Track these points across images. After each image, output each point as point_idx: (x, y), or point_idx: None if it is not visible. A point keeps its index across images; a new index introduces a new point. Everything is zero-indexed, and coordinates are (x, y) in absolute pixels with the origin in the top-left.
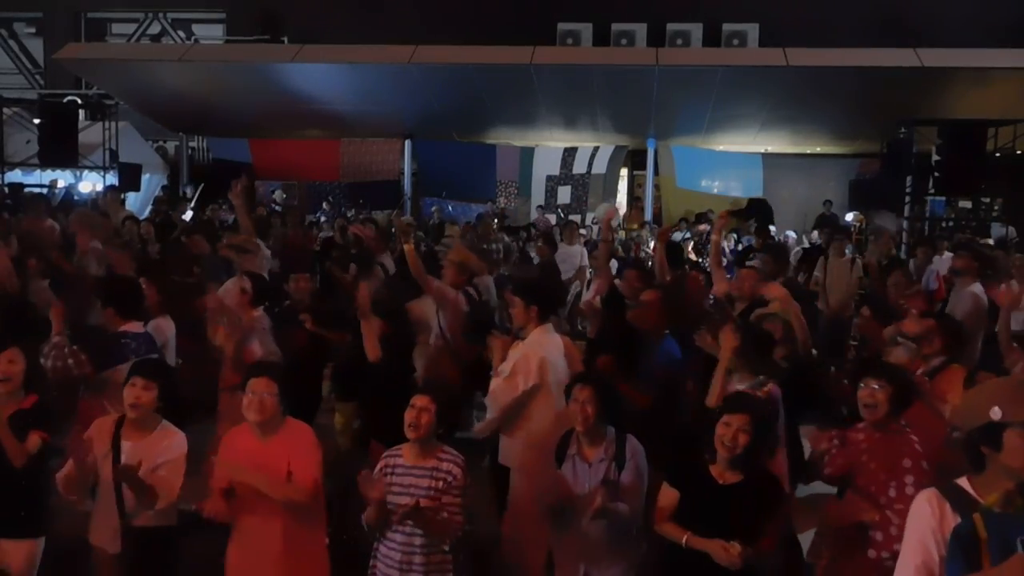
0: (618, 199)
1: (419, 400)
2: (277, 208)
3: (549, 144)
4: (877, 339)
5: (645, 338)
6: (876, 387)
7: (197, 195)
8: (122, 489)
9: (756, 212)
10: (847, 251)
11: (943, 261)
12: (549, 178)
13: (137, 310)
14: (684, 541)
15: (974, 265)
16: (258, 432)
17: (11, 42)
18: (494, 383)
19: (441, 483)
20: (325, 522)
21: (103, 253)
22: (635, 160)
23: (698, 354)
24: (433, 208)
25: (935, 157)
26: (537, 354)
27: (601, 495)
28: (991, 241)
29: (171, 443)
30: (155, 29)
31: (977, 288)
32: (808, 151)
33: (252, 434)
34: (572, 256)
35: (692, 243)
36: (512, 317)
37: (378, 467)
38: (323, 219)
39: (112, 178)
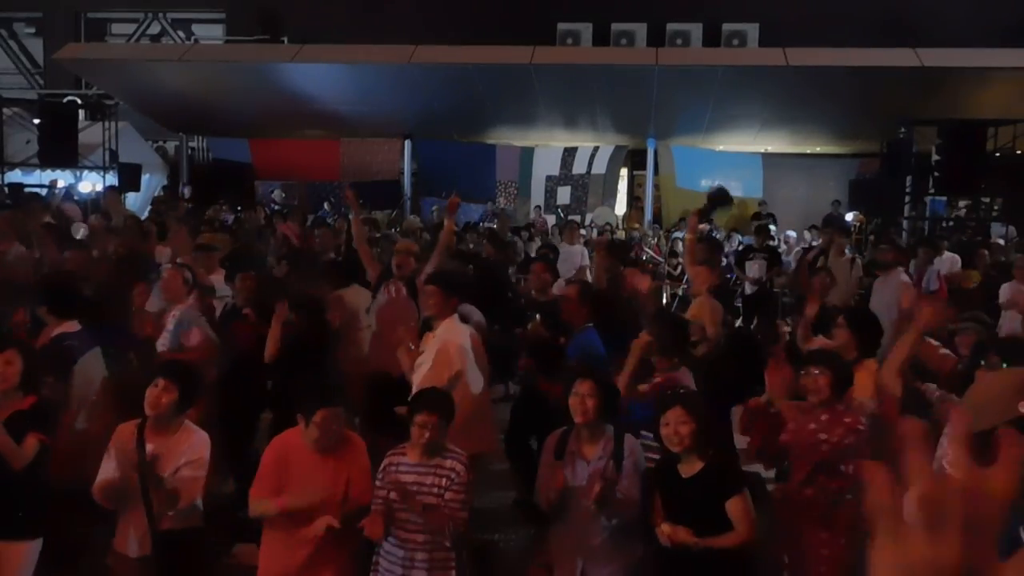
0: (618, 199)
1: (419, 418)
2: (276, 208)
3: (549, 144)
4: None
5: (567, 333)
6: (816, 373)
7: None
8: (149, 494)
9: (717, 205)
10: (847, 251)
11: (943, 261)
12: (549, 178)
13: (72, 309)
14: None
15: (899, 256)
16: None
17: (11, 42)
18: (418, 376)
19: (445, 480)
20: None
21: (26, 255)
22: (635, 160)
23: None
24: (433, 208)
25: (935, 157)
26: (454, 342)
27: (599, 483)
28: (1001, 241)
29: (193, 443)
30: (155, 29)
31: (903, 277)
32: (808, 151)
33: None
34: (572, 256)
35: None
36: (428, 306)
37: (382, 465)
38: (328, 220)
39: (112, 178)
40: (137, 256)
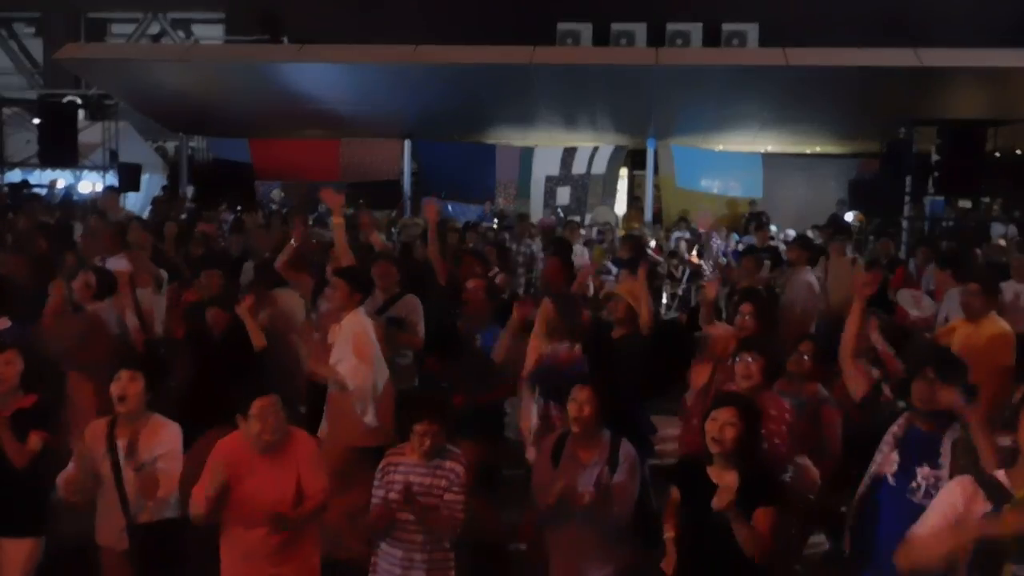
0: (617, 199)
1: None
2: (276, 208)
3: (549, 144)
4: None
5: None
6: (750, 360)
7: (191, 196)
8: (124, 487)
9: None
10: (847, 251)
11: None
12: (548, 179)
13: (1, 307)
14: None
15: (805, 254)
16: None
17: (11, 42)
18: (345, 369)
19: (444, 481)
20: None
21: None
22: (635, 160)
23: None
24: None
25: (935, 157)
26: (365, 331)
27: (589, 495)
28: (1002, 241)
29: (165, 435)
30: (155, 29)
31: (810, 276)
32: (808, 151)
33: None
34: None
35: (687, 243)
36: (333, 298)
37: (381, 465)
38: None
39: (112, 178)
40: (45, 257)
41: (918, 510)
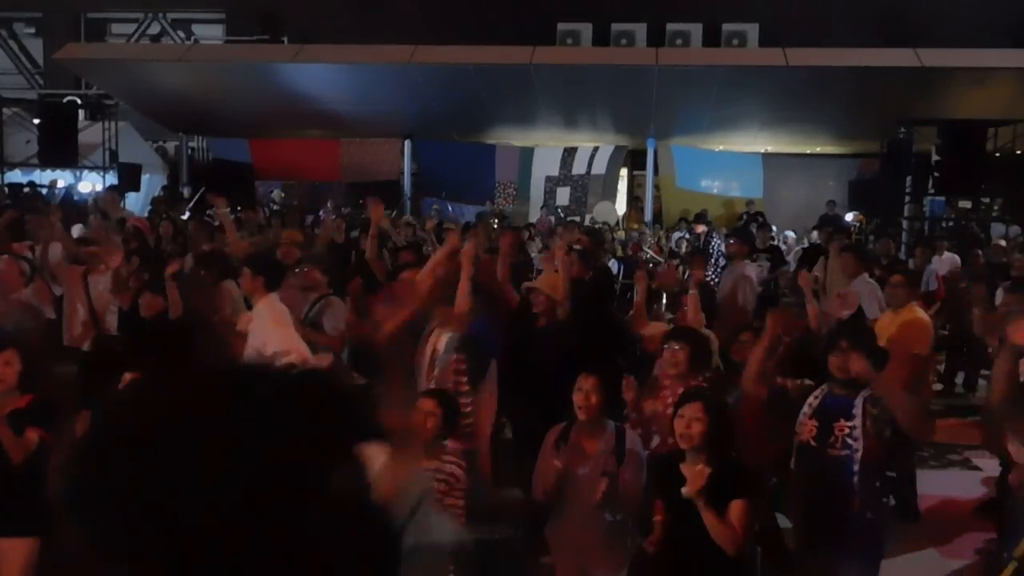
0: (617, 199)
1: (426, 404)
2: (275, 208)
3: (549, 144)
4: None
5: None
6: (677, 348)
7: (196, 197)
8: None
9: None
10: None
11: (942, 261)
12: (548, 179)
13: None
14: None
15: (744, 248)
16: None
17: (11, 42)
18: (277, 345)
19: (444, 484)
20: None
21: None
22: (635, 160)
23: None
24: (433, 208)
25: (935, 157)
26: (283, 316)
27: (603, 483)
28: (1003, 242)
29: None
30: (155, 29)
31: (748, 269)
32: (808, 151)
33: None
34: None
35: (687, 243)
36: (244, 286)
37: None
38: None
39: (112, 178)
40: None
41: (838, 461)
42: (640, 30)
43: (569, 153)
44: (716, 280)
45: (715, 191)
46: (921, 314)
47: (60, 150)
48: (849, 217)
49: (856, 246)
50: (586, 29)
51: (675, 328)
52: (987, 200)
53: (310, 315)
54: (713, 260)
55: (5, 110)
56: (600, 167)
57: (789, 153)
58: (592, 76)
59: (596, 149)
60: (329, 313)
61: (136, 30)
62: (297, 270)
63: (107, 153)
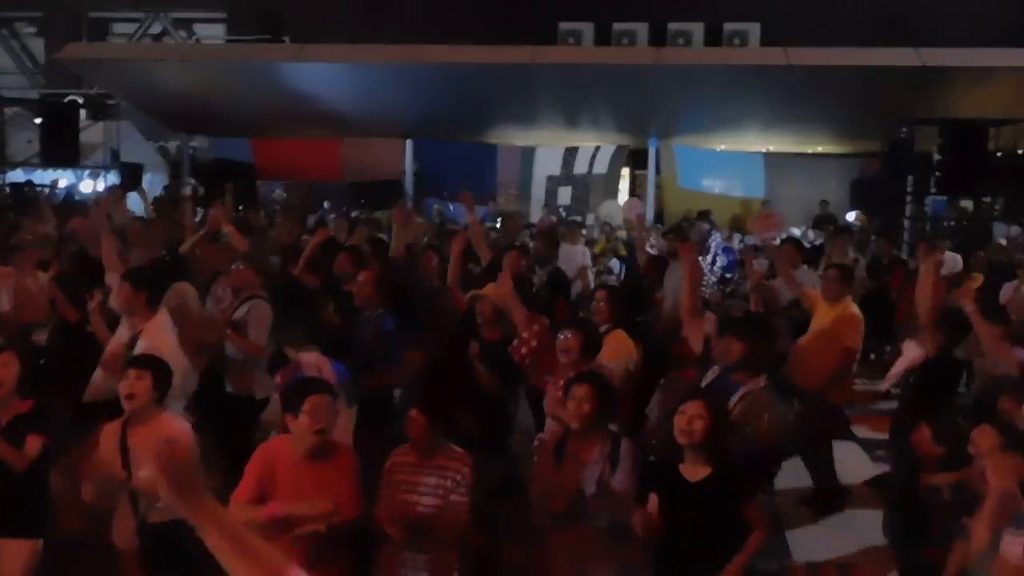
0: (618, 199)
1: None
2: (277, 207)
3: (550, 144)
4: None
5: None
6: (569, 336)
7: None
8: (135, 487)
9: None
10: (849, 251)
11: (944, 262)
12: (550, 179)
13: None
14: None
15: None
16: None
17: (12, 41)
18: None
19: (449, 482)
20: None
21: None
22: (636, 159)
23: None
24: (435, 208)
25: (936, 157)
26: (169, 340)
27: (601, 501)
28: (1003, 241)
29: (173, 432)
30: (156, 29)
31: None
32: (810, 151)
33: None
34: (573, 256)
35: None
36: (119, 300)
37: (386, 465)
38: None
39: (113, 178)
40: None
41: None
42: (642, 30)
43: (571, 153)
44: (714, 279)
45: (717, 191)
46: (854, 309)
47: (61, 150)
48: (851, 216)
49: (796, 240)
50: (587, 29)
51: (570, 318)
52: (988, 200)
53: (236, 316)
54: (711, 259)
55: (6, 109)
56: (602, 167)
57: (791, 153)
58: (593, 75)
59: (598, 149)
60: (253, 317)
61: (137, 30)
62: (233, 267)
63: (108, 153)
